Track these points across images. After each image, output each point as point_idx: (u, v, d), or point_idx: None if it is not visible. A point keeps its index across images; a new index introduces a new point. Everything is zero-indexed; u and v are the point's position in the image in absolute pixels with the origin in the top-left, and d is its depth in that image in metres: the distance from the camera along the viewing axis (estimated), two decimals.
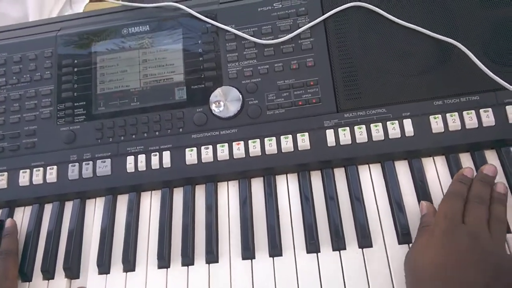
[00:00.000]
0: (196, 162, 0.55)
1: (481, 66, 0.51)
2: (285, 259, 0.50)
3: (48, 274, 0.53)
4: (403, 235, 0.48)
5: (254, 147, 0.54)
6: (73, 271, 0.53)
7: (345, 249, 0.49)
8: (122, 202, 0.56)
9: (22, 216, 0.57)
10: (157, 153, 0.55)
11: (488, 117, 0.51)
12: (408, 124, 0.52)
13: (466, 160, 0.52)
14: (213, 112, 0.56)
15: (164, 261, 0.51)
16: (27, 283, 0.54)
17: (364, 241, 0.49)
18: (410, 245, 0.48)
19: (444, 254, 0.43)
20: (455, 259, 0.43)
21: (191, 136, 0.56)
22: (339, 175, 0.54)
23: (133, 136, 0.57)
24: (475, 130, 0.51)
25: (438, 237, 0.45)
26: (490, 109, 0.51)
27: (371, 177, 0.53)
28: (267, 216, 0.52)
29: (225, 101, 0.56)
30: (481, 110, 0.51)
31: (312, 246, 0.49)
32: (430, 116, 0.52)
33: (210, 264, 0.51)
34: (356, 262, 0.48)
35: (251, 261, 0.50)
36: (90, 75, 0.60)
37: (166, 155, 0.55)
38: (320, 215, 0.51)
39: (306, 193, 0.53)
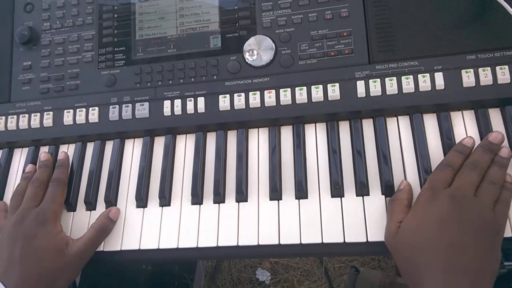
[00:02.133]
0: (228, 108, 0.57)
1: None
2: (310, 201, 0.52)
3: (91, 205, 0.58)
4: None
5: (285, 95, 0.56)
6: (113, 203, 0.57)
7: (368, 195, 0.51)
8: (159, 143, 0.60)
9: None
10: (192, 99, 0.58)
11: None
12: (439, 77, 0.52)
13: (495, 115, 0.52)
14: (246, 60, 0.58)
15: (197, 198, 0.55)
16: (72, 212, 0.59)
17: (387, 189, 0.51)
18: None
19: (427, 222, 0.44)
20: (438, 224, 0.43)
21: (225, 83, 0.58)
22: (367, 125, 0.55)
23: (170, 82, 0.60)
24: (507, 86, 0.51)
25: (421, 207, 0.45)
26: None
27: (398, 129, 0.54)
28: (295, 162, 0.54)
29: (258, 50, 0.58)
30: None
31: (337, 191, 0.52)
32: (462, 70, 0.52)
33: (240, 203, 0.54)
34: (378, 207, 0.50)
35: (278, 202, 0.53)
36: (129, 22, 0.62)
37: (201, 100, 0.58)
38: (346, 162, 0.53)
39: (334, 142, 0.54)
